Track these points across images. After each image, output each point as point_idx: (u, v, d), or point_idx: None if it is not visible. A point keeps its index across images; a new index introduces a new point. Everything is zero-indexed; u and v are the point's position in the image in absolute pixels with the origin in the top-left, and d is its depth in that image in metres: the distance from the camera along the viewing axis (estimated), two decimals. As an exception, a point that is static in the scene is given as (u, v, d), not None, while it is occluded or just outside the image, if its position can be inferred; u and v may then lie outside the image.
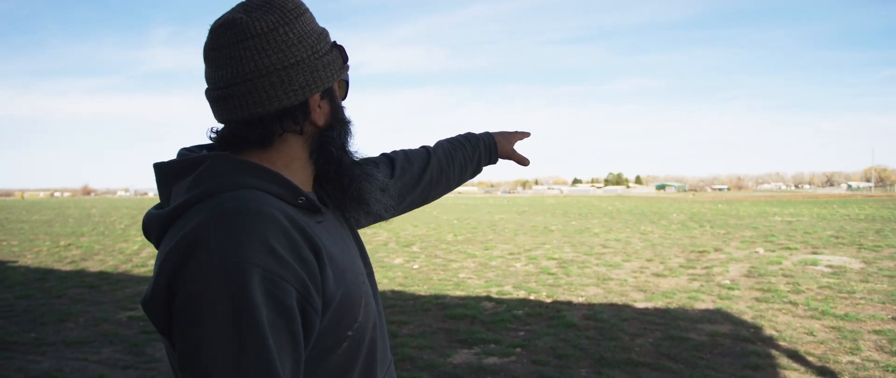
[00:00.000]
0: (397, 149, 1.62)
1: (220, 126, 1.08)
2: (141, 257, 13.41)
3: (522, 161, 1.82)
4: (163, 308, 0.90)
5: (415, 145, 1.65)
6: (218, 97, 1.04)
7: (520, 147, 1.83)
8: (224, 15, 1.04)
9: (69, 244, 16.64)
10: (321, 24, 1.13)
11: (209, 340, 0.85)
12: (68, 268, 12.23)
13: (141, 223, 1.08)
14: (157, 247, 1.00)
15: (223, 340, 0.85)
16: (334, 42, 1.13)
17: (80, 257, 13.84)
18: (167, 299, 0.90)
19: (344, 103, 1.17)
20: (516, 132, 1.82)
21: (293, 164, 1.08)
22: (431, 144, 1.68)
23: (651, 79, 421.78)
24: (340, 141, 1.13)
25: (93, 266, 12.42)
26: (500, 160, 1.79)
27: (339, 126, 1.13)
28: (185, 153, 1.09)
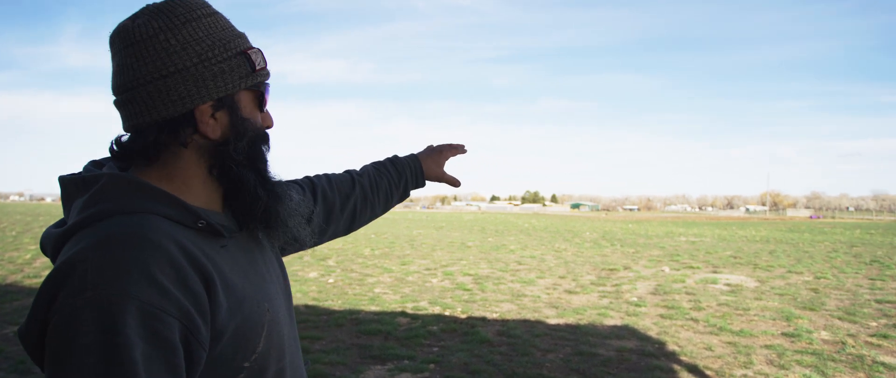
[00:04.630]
0: (320, 173, 1.54)
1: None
2: (34, 267, 12.52)
3: (453, 182, 1.75)
4: (36, 340, 0.85)
5: (339, 164, 1.56)
6: (115, 105, 1.01)
7: (451, 164, 1.75)
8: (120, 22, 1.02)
9: (-45, 253, 15.49)
10: (244, 32, 1.08)
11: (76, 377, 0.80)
12: (-46, 279, 11.38)
13: (38, 235, 1.04)
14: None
15: None
16: (248, 48, 1.05)
17: (-33, 268, 12.90)
18: (41, 331, 0.85)
19: (271, 113, 1.11)
20: (448, 147, 1.74)
21: (191, 181, 1.02)
22: (358, 168, 1.61)
23: (570, 101, 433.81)
24: (242, 157, 1.04)
25: (-18, 277, 11.60)
26: (429, 182, 1.71)
27: (240, 139, 1.03)
28: (89, 168, 1.05)
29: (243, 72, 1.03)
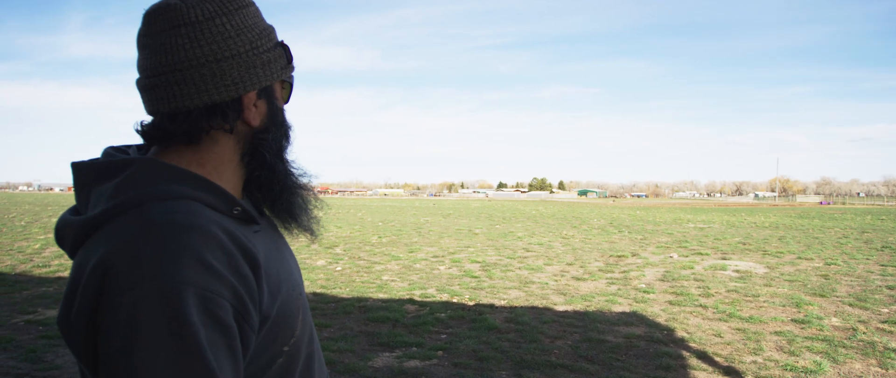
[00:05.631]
0: None
1: (149, 119, 1.01)
2: (43, 257, 12.59)
3: None
4: (84, 333, 0.83)
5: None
6: (146, 86, 0.97)
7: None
8: (159, 0, 0.98)
9: (-34, 242, 15.60)
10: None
11: (147, 370, 0.78)
12: (-36, 268, 11.46)
13: (53, 227, 0.99)
14: (71, 256, 0.93)
15: (163, 369, 0.78)
16: (281, 41, 1.08)
17: (-23, 257, 12.98)
18: (89, 324, 0.83)
19: (286, 107, 1.11)
20: None
21: (224, 167, 1.02)
22: None
23: (577, 87, 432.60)
24: (276, 145, 1.06)
25: (-8, 266, 11.67)
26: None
27: (276, 129, 1.06)
28: (111, 153, 1.02)
29: (282, 63, 1.06)
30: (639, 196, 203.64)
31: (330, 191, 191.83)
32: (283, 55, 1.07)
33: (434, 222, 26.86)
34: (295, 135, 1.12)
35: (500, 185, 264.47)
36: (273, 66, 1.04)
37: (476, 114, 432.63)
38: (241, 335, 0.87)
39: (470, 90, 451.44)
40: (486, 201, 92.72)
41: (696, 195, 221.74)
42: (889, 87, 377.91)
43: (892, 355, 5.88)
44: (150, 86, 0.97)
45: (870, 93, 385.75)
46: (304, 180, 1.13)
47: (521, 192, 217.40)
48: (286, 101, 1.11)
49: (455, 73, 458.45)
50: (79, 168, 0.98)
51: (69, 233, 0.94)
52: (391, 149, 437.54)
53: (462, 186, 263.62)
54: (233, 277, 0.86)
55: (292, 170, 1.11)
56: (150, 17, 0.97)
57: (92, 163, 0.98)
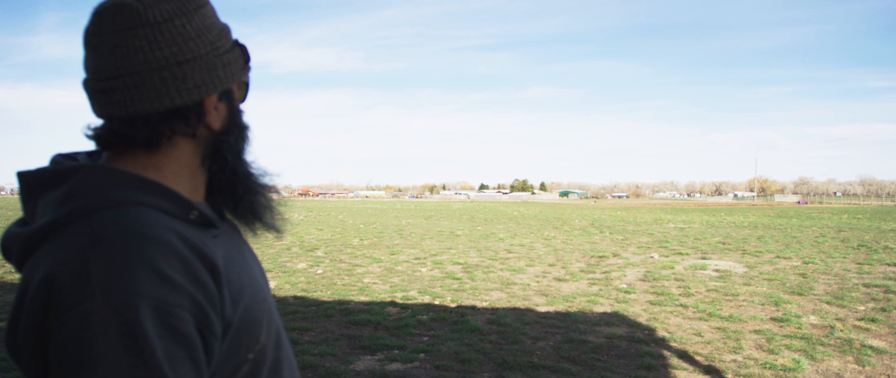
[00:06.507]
0: None
1: (100, 122, 0.96)
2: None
3: None
4: (32, 352, 0.80)
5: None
6: (98, 89, 0.92)
7: None
8: None
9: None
10: (229, 21, 1.05)
11: None
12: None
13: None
14: (18, 270, 0.89)
15: None
16: (236, 40, 1.04)
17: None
18: (37, 343, 0.79)
19: (242, 107, 1.09)
20: None
21: (183, 171, 0.98)
22: None
23: (559, 88, 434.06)
24: (236, 147, 1.04)
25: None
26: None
27: (236, 131, 1.04)
28: (58, 160, 0.97)
29: (240, 64, 1.03)
30: (620, 197, 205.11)
31: (311, 193, 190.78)
32: (241, 55, 1.04)
33: (416, 224, 26.83)
34: (254, 135, 1.10)
35: (482, 187, 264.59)
36: (233, 67, 1.01)
37: (458, 115, 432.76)
38: (203, 345, 0.85)
39: (453, 91, 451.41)
40: (467, 203, 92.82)
41: (677, 195, 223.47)
42: (865, 87, 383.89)
43: (869, 352, 5.95)
44: (104, 89, 0.92)
45: (846, 93, 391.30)
46: (266, 180, 1.10)
47: (503, 193, 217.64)
48: (242, 101, 1.08)
49: (438, 74, 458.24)
50: (24, 177, 0.93)
51: (15, 246, 0.89)
52: (373, 150, 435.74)
53: (444, 188, 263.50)
54: (191, 286, 0.83)
55: (253, 170, 1.08)
56: (102, 15, 0.92)
57: (38, 171, 0.92)
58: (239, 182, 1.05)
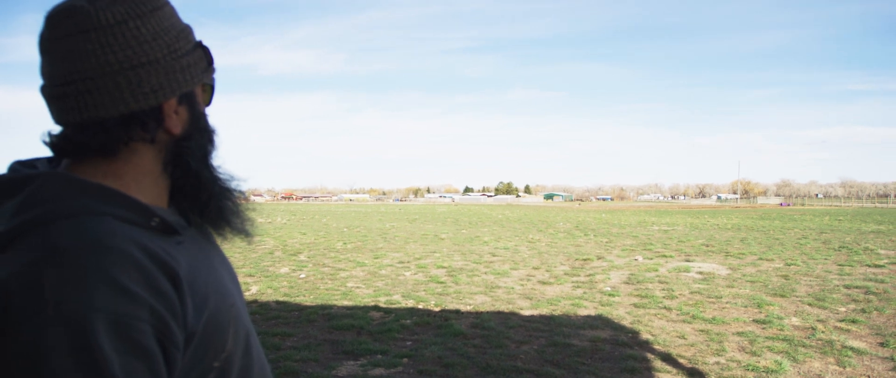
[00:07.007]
0: None
1: (59, 129, 0.94)
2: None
3: None
4: None
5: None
6: (53, 95, 0.90)
7: None
8: (63, 1, 0.90)
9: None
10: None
11: None
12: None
13: None
14: None
15: None
16: (199, 42, 1.02)
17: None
18: None
19: (208, 110, 1.06)
20: None
21: (144, 178, 0.95)
22: None
23: (542, 91, 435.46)
24: (200, 152, 1.01)
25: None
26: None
27: (199, 135, 1.01)
28: (16, 168, 0.95)
29: (203, 66, 1.01)
30: (604, 199, 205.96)
31: (294, 196, 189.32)
32: (204, 57, 1.01)
33: (400, 227, 26.76)
34: (219, 139, 1.07)
35: (467, 190, 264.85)
36: (193, 69, 0.98)
37: (442, 117, 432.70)
38: (164, 356, 0.82)
39: (437, 93, 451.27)
40: (452, 206, 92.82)
41: (661, 198, 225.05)
42: (846, 90, 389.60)
43: (850, 353, 5.99)
44: (59, 95, 0.90)
45: (827, 96, 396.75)
46: (233, 185, 1.08)
47: (488, 196, 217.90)
48: (208, 104, 1.06)
49: (422, 77, 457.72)
50: None
51: None
52: (357, 153, 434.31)
53: (428, 191, 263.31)
54: (150, 297, 0.81)
55: (219, 175, 1.06)
56: (54, 19, 0.90)
57: None
58: (204, 187, 1.02)
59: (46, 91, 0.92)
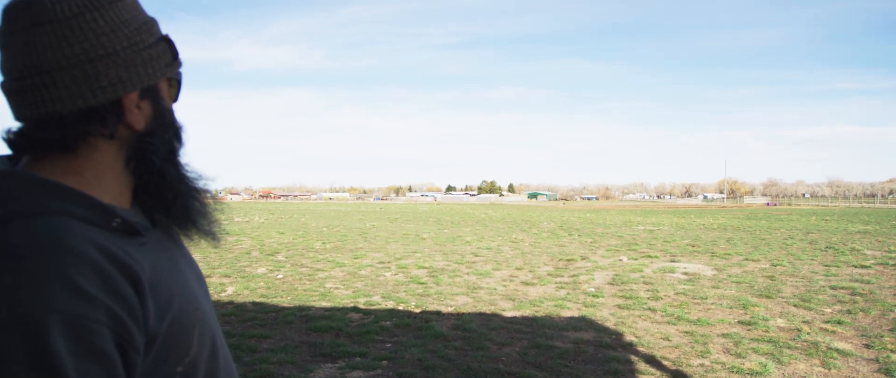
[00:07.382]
0: None
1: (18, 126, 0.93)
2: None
3: None
4: None
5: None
6: (11, 90, 0.89)
7: None
8: None
9: None
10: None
11: None
12: None
13: None
14: None
15: None
16: (164, 35, 1.00)
17: None
18: None
19: (175, 106, 1.04)
20: None
21: (105, 175, 0.93)
22: None
23: (526, 88, 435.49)
24: (165, 149, 0.98)
25: None
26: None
27: (164, 131, 0.98)
28: None
29: (167, 59, 0.99)
30: (589, 198, 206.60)
31: (273, 195, 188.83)
32: (168, 50, 0.99)
33: (380, 227, 26.59)
34: (187, 136, 1.05)
35: (449, 189, 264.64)
36: (156, 62, 0.96)
37: (425, 115, 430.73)
38: (124, 360, 0.81)
39: (419, 91, 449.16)
40: (434, 205, 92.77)
41: (646, 197, 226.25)
42: (833, 89, 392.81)
43: (835, 355, 5.92)
44: (16, 89, 0.88)
45: (814, 95, 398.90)
46: (201, 184, 1.06)
47: (471, 195, 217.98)
48: (175, 100, 1.04)
49: (404, 73, 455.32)
50: None
51: None
52: (337, 151, 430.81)
53: (410, 190, 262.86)
54: (109, 299, 0.80)
55: (186, 173, 1.03)
56: (10, 12, 0.89)
57: None
58: (169, 186, 0.99)
59: (5, 86, 0.91)
